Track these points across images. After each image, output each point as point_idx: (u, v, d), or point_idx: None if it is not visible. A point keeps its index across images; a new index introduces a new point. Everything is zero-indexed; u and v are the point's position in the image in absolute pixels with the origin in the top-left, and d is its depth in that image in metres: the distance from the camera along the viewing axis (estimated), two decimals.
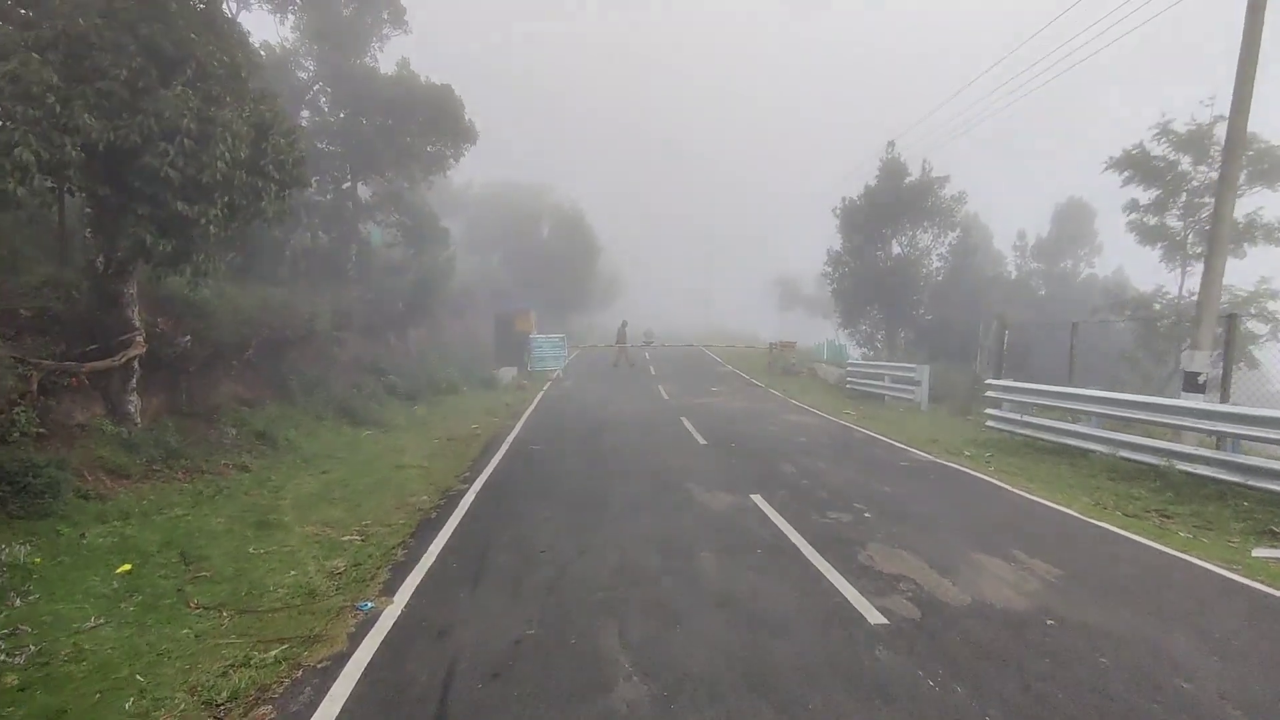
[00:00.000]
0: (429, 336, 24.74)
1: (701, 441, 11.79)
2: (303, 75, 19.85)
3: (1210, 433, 8.79)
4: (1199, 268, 18.62)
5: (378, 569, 5.81)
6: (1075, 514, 7.60)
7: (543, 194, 48.62)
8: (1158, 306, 18.96)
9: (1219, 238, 9.84)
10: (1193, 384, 9.48)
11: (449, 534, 6.68)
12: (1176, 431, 9.51)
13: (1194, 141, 18.07)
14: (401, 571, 5.66)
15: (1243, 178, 17.90)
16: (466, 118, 22.21)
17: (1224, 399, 9.57)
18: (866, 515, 7.21)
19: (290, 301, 14.99)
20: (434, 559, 5.95)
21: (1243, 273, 18.06)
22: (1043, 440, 11.78)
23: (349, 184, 22.08)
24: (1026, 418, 12.24)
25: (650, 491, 8.29)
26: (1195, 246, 18.13)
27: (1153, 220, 18.89)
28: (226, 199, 8.04)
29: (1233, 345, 9.75)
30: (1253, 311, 17.66)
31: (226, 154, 7.63)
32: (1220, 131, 17.77)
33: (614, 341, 29.18)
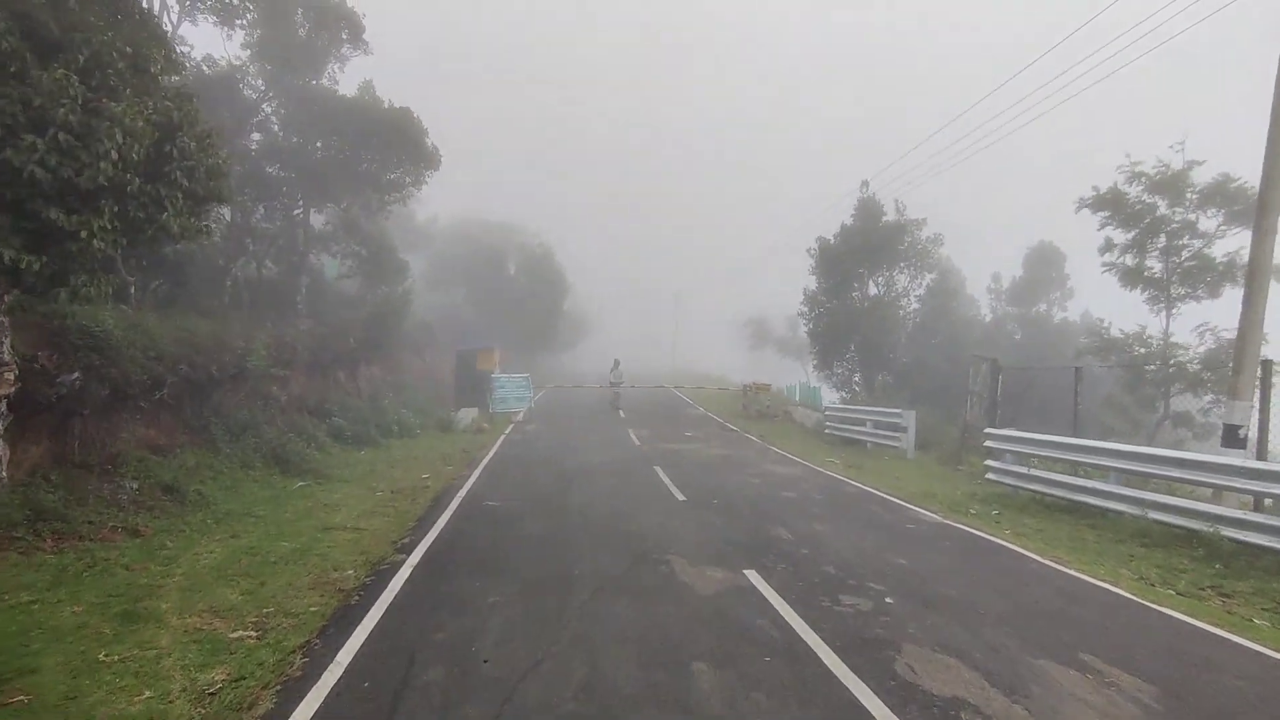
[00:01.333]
0: (384, 375, 23.13)
1: (680, 497, 10.48)
2: (252, 94, 18.55)
3: (1260, 495, 7.78)
4: (1186, 309, 18.40)
5: (264, 688, 4.35)
6: (1126, 594, 6.46)
7: (510, 230, 47.58)
8: (1142, 350, 18.34)
9: (1259, 280, 9.02)
10: (1233, 438, 8.53)
11: (369, 630, 5.24)
12: (1216, 491, 8.51)
13: (1168, 185, 17.71)
14: (293, 695, 4.22)
15: (1219, 219, 17.64)
16: (429, 143, 21.10)
17: (1261, 454, 8.66)
18: (889, 600, 5.96)
19: (221, 334, 13.45)
20: (341, 672, 4.51)
21: (1219, 313, 17.61)
22: (1052, 497, 10.73)
23: (301, 211, 20.69)
24: (1033, 470, 11.21)
25: (625, 566, 6.93)
26: (1178, 289, 17.66)
27: (1132, 262, 18.40)
28: (116, 208, 6.66)
29: (1269, 394, 8.85)
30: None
31: (114, 153, 6.28)
32: (1197, 177, 17.51)
33: (618, 382, 27.84)
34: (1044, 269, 31.18)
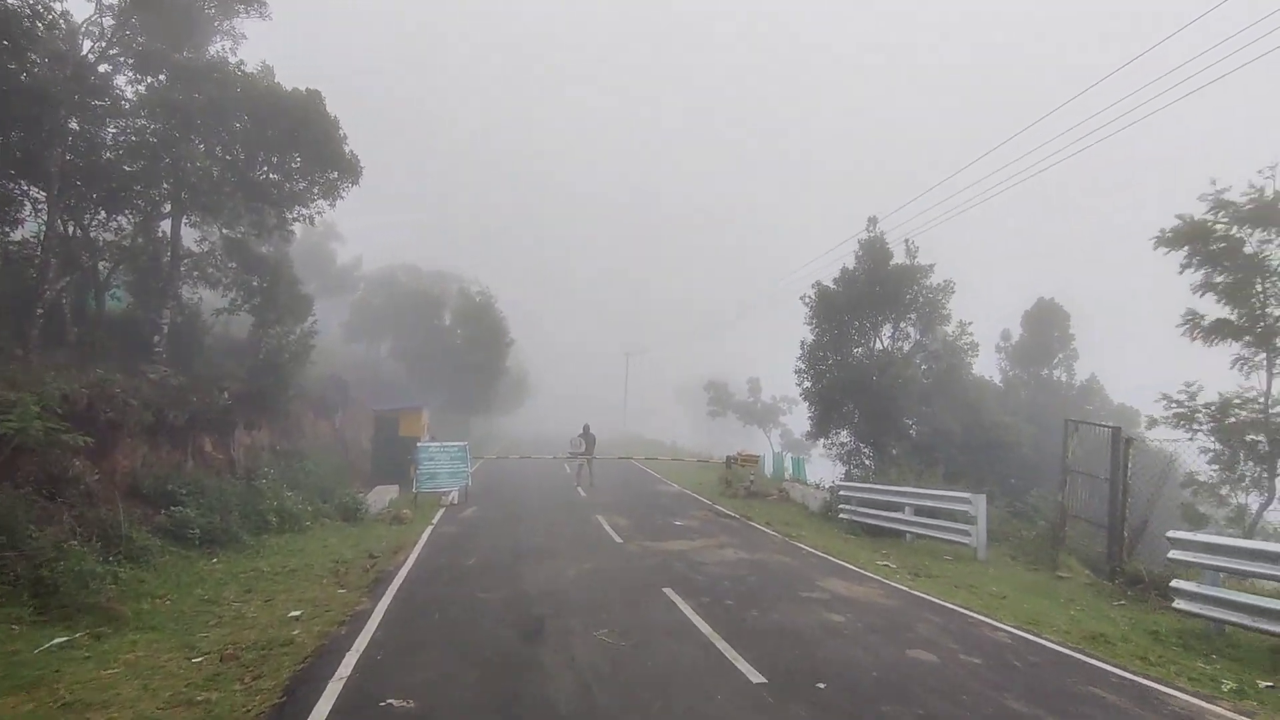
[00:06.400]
0: (275, 442, 17.76)
1: (749, 674, 5.76)
2: (92, 57, 13.71)
3: None
4: None
5: None
6: None
7: (447, 278, 42.86)
8: (1243, 415, 14.87)
9: None
10: None
11: None
12: None
13: (1265, 215, 14.64)
14: None
15: None
16: (348, 149, 16.56)
17: None
18: None
19: None
20: None
21: None
22: None
23: (168, 222, 15.64)
24: (1263, 601, 7.06)
25: None
26: None
27: (1226, 310, 15.13)
28: None
29: None
30: None
31: None
32: None
33: (578, 450, 23.01)
34: (1047, 328, 28.46)
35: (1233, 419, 15.15)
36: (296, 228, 17.95)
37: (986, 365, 27.49)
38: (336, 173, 16.71)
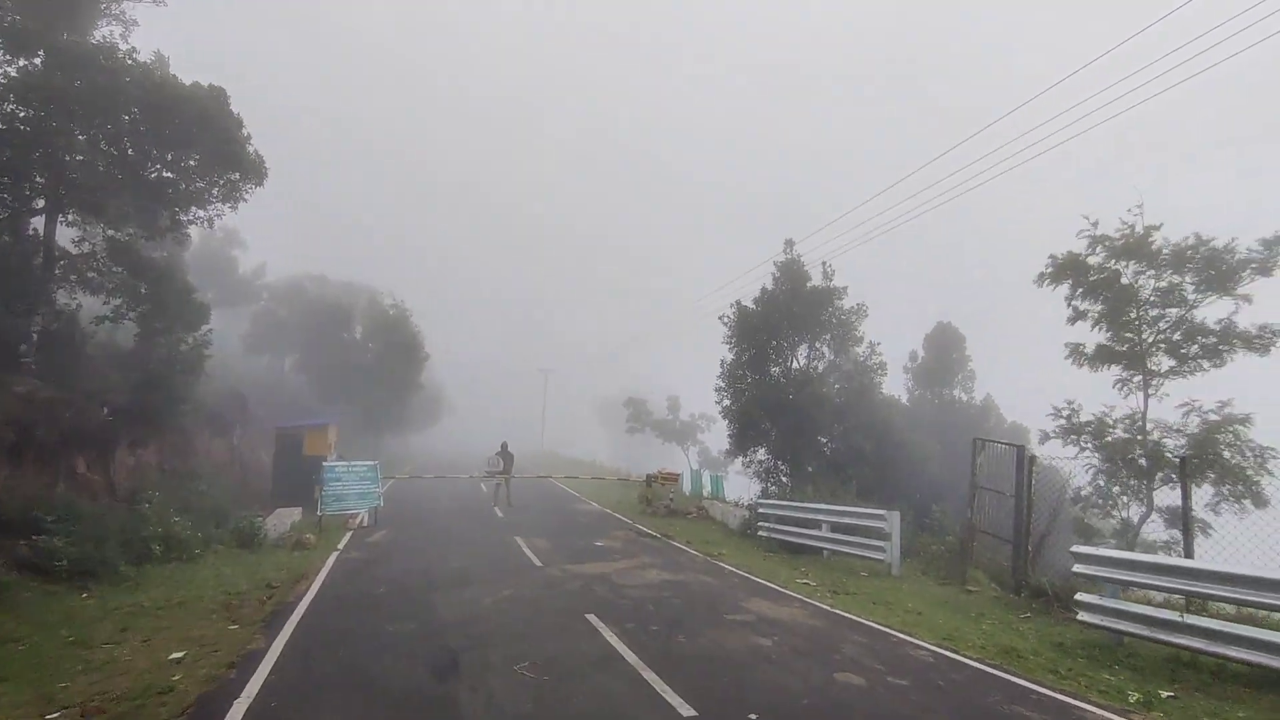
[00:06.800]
0: (162, 463, 16.34)
1: (681, 709, 5.54)
2: None
3: None
4: (1172, 386, 16.35)
5: None
6: None
7: (359, 290, 41.15)
8: (1122, 434, 15.91)
9: None
10: None
11: None
12: None
13: (1133, 249, 15.84)
14: None
15: (1190, 288, 15.92)
16: (252, 150, 15.59)
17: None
18: None
19: None
20: None
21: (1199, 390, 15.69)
22: (1211, 656, 6.97)
23: (41, 220, 14.22)
24: (1187, 618, 7.40)
25: None
26: (1161, 362, 15.53)
27: (1104, 336, 16.23)
28: None
29: None
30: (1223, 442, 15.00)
31: None
32: (1160, 240, 15.78)
33: (495, 469, 22.23)
34: (946, 351, 29.88)
35: (1109, 437, 16.24)
36: (193, 231, 16.74)
37: (895, 385, 28.60)
38: (238, 174, 15.69)
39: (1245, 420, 15.09)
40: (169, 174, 14.94)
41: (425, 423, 59.90)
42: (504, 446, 22.34)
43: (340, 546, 13.90)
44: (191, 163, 15.07)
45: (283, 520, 16.03)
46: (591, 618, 8.33)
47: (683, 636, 7.61)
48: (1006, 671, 6.80)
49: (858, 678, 6.35)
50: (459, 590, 9.94)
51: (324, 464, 17.43)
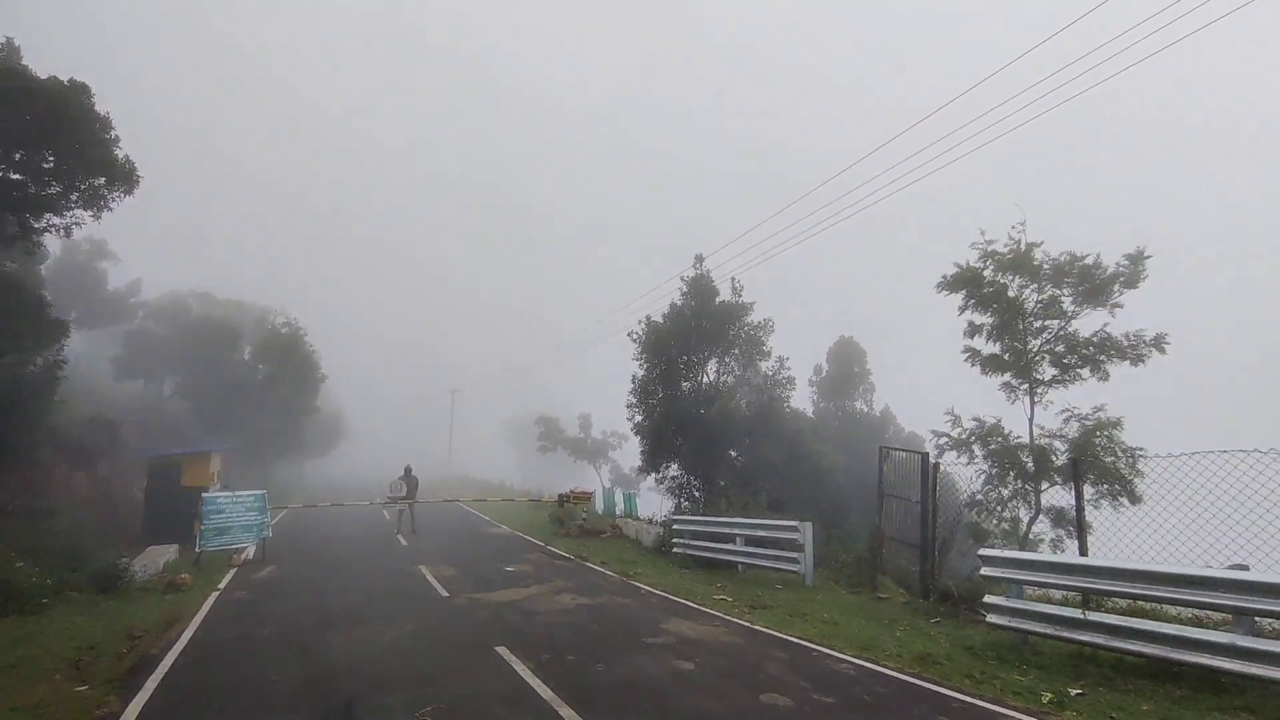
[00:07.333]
0: (9, 499, 14.44)
1: None
2: None
3: None
4: (1057, 394, 17.35)
5: None
6: None
7: (247, 308, 38.55)
8: (1004, 442, 16.75)
9: None
10: None
11: None
12: None
13: (1018, 264, 16.86)
14: None
15: (1068, 301, 17.01)
16: (120, 153, 14.21)
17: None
18: None
19: None
20: None
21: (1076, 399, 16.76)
22: (1110, 650, 7.21)
23: None
24: (1089, 615, 7.62)
25: None
26: (1046, 372, 16.49)
27: (994, 347, 17.12)
28: None
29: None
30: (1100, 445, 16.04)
31: None
32: (1039, 255, 16.85)
33: (398, 494, 20.99)
34: (848, 364, 30.94)
35: (994, 445, 17.09)
36: (53, 241, 15.03)
37: (801, 398, 29.33)
38: (104, 179, 14.22)
39: (1117, 424, 16.11)
40: (17, 175, 13.36)
41: (323, 448, 56.74)
42: (408, 470, 21.26)
43: (222, 586, 12.64)
44: (46, 164, 13.54)
45: (154, 559, 14.48)
46: (502, 650, 7.79)
47: (601, 665, 7.21)
48: (926, 680, 6.79)
49: (784, 698, 6.14)
50: (356, 628, 9.13)
51: (204, 495, 15.93)
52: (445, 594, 11.48)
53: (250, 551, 15.99)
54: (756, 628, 9.19)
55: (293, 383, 33.19)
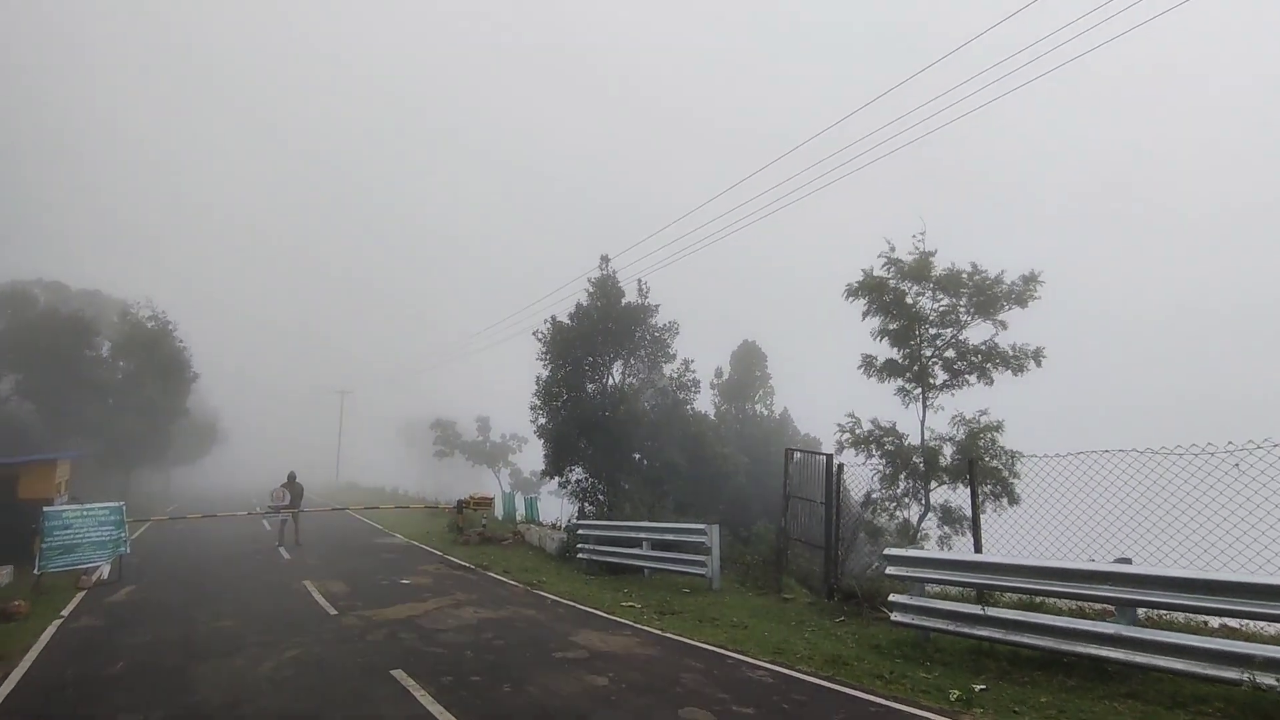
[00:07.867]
0: None
1: None
2: None
3: None
4: (945, 399, 18.22)
5: None
6: None
7: (105, 300, 34.96)
8: (895, 443, 17.48)
9: None
10: None
11: None
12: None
13: (915, 272, 17.66)
14: None
15: (963, 311, 17.94)
16: None
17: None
18: None
19: None
20: None
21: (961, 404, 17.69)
22: (1006, 644, 7.48)
23: None
24: (989, 611, 7.85)
25: None
26: (939, 378, 17.30)
27: (894, 352, 17.82)
28: None
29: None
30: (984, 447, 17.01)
31: None
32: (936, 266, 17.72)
33: (280, 503, 19.32)
34: (750, 368, 31.57)
35: (889, 446, 17.79)
36: None
37: (704, 401, 29.63)
38: None
39: (998, 427, 17.07)
40: None
41: (196, 453, 52.45)
42: (291, 477, 19.76)
43: (66, 612, 11.15)
44: None
45: None
46: (399, 674, 7.15)
47: (508, 685, 6.74)
48: (839, 683, 6.77)
49: (704, 712, 5.91)
50: (229, 658, 8.18)
51: (46, 510, 14.10)
52: (334, 612, 10.59)
53: (105, 571, 14.28)
54: (668, 635, 8.97)
55: (158, 382, 30.28)
